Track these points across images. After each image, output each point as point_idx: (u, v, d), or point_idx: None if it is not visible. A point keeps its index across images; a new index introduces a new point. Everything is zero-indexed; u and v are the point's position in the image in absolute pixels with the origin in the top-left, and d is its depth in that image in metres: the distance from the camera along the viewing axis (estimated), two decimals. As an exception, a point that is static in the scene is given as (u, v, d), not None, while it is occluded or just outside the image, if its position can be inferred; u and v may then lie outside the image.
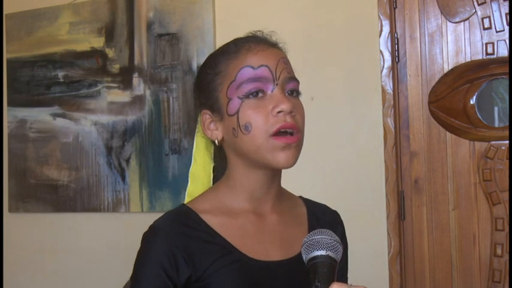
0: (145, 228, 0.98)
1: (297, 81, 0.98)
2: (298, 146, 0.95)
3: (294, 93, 0.97)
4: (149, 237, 0.94)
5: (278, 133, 0.92)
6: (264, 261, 0.95)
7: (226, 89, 0.96)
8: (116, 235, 2.50)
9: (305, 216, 1.05)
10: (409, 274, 2.12)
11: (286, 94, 0.95)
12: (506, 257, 2.00)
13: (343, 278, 1.07)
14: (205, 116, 1.00)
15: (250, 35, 1.01)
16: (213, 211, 0.98)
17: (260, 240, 0.97)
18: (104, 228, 2.54)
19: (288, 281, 0.95)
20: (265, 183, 0.99)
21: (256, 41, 0.98)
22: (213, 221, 0.96)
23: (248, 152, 0.94)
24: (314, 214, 1.06)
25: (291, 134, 0.93)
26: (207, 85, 0.99)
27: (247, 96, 0.94)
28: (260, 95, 0.94)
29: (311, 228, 1.02)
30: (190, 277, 0.91)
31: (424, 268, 2.10)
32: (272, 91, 0.94)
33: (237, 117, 0.94)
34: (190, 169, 1.09)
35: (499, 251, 2.01)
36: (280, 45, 1.01)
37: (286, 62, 0.98)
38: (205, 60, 1.03)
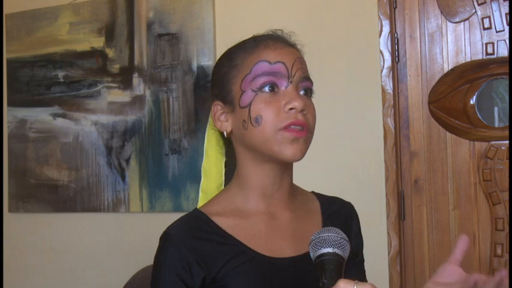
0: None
1: (311, 82, 0.99)
2: (307, 142, 0.95)
3: (308, 92, 0.98)
4: (162, 244, 0.96)
5: (288, 128, 0.92)
6: (278, 257, 0.95)
7: (241, 81, 0.96)
8: (116, 235, 2.50)
9: (318, 210, 1.06)
10: (409, 274, 2.12)
11: (300, 93, 0.96)
12: (506, 257, 2.00)
13: (360, 272, 1.07)
14: (217, 107, 1.01)
15: (270, 32, 1.02)
16: (225, 213, 0.98)
17: (272, 238, 0.97)
18: (104, 228, 2.54)
19: (303, 276, 0.96)
20: (276, 179, 0.99)
21: (274, 39, 0.99)
22: (224, 222, 0.97)
23: (256, 144, 0.95)
24: (327, 207, 1.07)
25: (302, 130, 0.93)
26: (222, 77, 1.00)
27: (260, 89, 0.94)
28: (274, 90, 0.95)
29: (325, 221, 1.03)
30: (204, 279, 0.92)
31: (424, 268, 2.10)
32: (286, 88, 0.95)
33: (249, 110, 0.94)
34: (202, 164, 1.10)
35: (499, 251, 2.01)
36: (298, 46, 1.03)
37: (302, 62, 0.99)
38: (223, 54, 1.04)
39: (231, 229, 0.96)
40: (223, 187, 1.08)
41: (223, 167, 1.09)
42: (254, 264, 0.93)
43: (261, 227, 0.98)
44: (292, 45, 1.00)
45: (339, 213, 1.06)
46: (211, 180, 1.09)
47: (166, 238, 0.95)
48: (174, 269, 0.92)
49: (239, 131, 0.97)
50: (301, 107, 0.93)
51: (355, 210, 1.12)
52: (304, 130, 0.93)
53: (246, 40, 1.02)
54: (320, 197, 1.10)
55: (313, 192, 1.11)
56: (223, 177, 1.09)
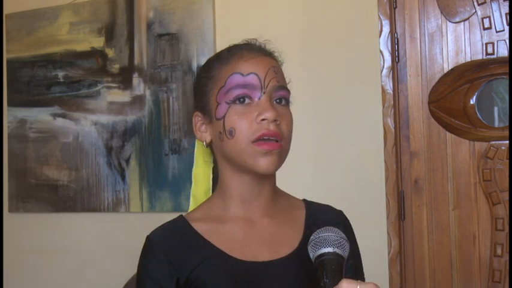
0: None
1: (287, 90, 1.00)
2: (281, 153, 0.96)
3: (283, 101, 0.98)
4: (143, 248, 1.00)
5: (260, 140, 0.94)
6: (251, 261, 0.96)
7: (217, 93, 0.98)
8: (116, 235, 2.50)
9: (302, 218, 1.06)
10: (409, 274, 2.12)
11: (275, 102, 0.97)
12: (506, 257, 2.00)
13: (358, 273, 1.06)
14: (197, 118, 1.04)
15: (245, 42, 1.03)
16: (204, 219, 1.01)
17: (248, 243, 0.99)
18: (104, 228, 2.54)
19: (277, 281, 0.96)
20: (254, 187, 1.01)
21: (249, 49, 1.00)
22: (202, 228, 1.00)
23: (232, 156, 0.97)
24: (313, 215, 1.06)
25: (275, 141, 0.94)
26: (201, 88, 1.03)
27: (234, 101, 0.96)
28: (247, 101, 0.96)
29: (307, 229, 1.03)
30: (178, 280, 0.95)
31: (424, 268, 2.10)
32: (259, 99, 0.96)
33: (223, 122, 0.97)
34: (193, 170, 1.13)
35: (499, 251, 2.01)
36: (275, 54, 1.03)
37: (277, 71, 0.99)
38: (203, 64, 1.07)
39: (207, 234, 0.99)
40: (210, 192, 1.11)
41: (211, 173, 1.12)
42: (226, 267, 0.95)
43: (237, 232, 1.00)
44: (267, 54, 1.01)
45: (324, 221, 1.05)
46: (199, 186, 1.12)
47: (146, 242, 1.00)
48: (151, 272, 0.96)
49: (217, 142, 1.00)
50: (273, 117, 0.93)
51: (345, 217, 1.11)
52: (277, 141, 0.94)
53: (222, 50, 1.03)
54: (309, 205, 1.09)
55: (304, 200, 1.11)
56: (211, 183, 1.11)
